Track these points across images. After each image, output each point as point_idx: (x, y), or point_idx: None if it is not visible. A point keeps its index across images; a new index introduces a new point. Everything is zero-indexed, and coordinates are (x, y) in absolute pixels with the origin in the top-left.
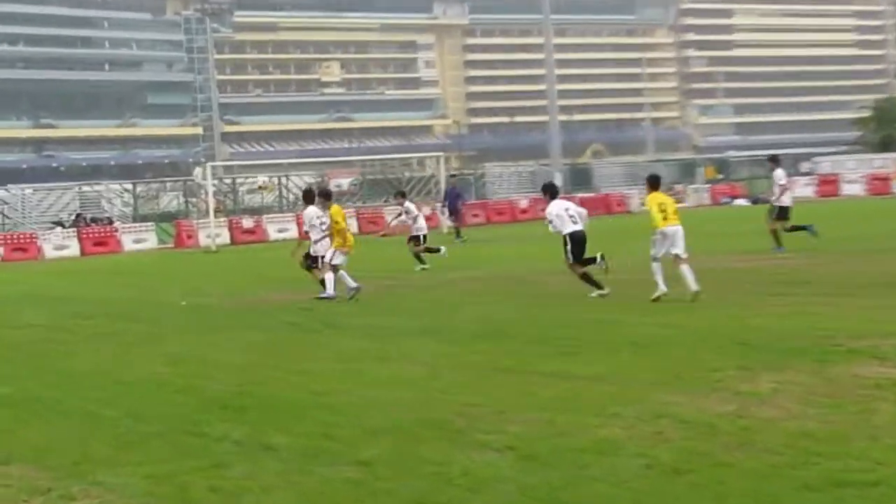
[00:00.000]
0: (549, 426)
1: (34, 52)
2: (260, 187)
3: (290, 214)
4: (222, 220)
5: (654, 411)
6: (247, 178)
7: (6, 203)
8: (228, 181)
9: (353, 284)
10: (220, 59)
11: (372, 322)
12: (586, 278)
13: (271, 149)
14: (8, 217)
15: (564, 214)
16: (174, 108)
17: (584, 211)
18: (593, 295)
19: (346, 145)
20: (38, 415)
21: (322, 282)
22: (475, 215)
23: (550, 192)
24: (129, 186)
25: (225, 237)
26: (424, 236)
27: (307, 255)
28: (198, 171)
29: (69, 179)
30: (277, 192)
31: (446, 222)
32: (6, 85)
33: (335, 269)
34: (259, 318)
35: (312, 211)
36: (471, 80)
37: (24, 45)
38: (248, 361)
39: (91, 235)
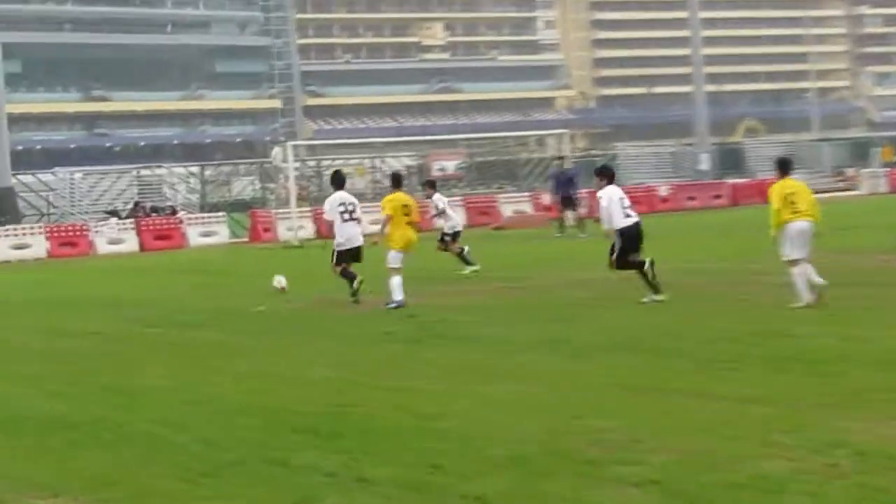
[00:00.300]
0: (699, 457)
1: (84, 11)
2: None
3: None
4: (306, 209)
5: (826, 440)
6: (334, 159)
7: (52, 189)
8: (312, 164)
9: (399, 300)
10: (302, 20)
11: (484, 332)
12: (643, 274)
13: (362, 125)
14: (55, 206)
15: (618, 204)
16: (248, 77)
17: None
18: (645, 300)
19: (451, 121)
20: (94, 438)
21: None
22: None
23: (607, 175)
24: (196, 170)
25: (309, 230)
26: (457, 232)
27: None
28: (276, 151)
29: (125, 161)
30: (371, 177)
31: (571, 214)
32: (52, 51)
33: (396, 271)
34: (352, 326)
35: (336, 196)
36: (599, 44)
37: (73, 3)
38: (339, 378)
39: (151, 228)
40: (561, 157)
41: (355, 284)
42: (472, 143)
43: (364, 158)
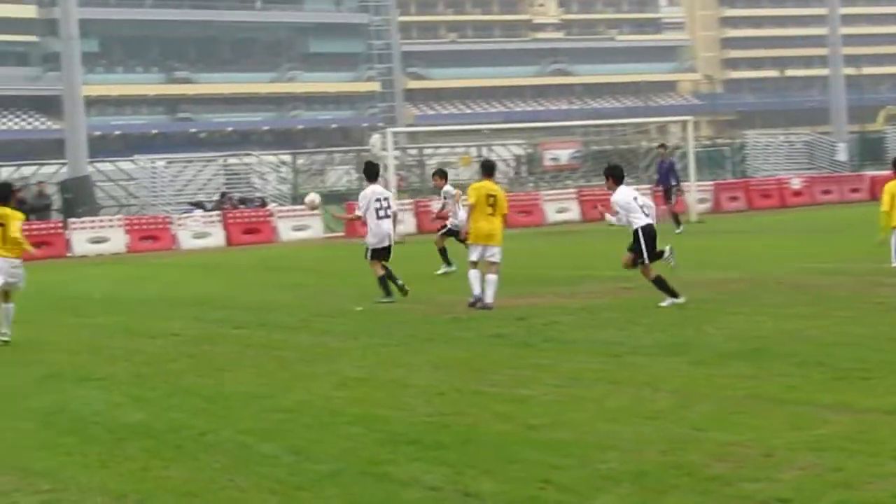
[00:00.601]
0: (834, 474)
1: None
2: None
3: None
4: (407, 201)
5: None
6: (437, 147)
7: (132, 178)
8: (414, 152)
9: (475, 294)
10: None
11: (601, 336)
12: (660, 283)
13: (468, 111)
14: (135, 196)
15: (634, 204)
16: (343, 57)
17: (651, 204)
18: (665, 304)
19: (565, 107)
20: (178, 448)
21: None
22: (733, 198)
23: (615, 176)
24: (287, 158)
25: (409, 224)
26: (457, 232)
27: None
28: (375, 138)
29: (211, 149)
30: (477, 166)
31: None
32: (132, 28)
33: (473, 264)
34: (456, 328)
35: (370, 190)
36: (727, 22)
37: None
38: (443, 385)
39: (239, 221)
40: (664, 146)
41: (400, 282)
42: (588, 131)
43: (469, 147)
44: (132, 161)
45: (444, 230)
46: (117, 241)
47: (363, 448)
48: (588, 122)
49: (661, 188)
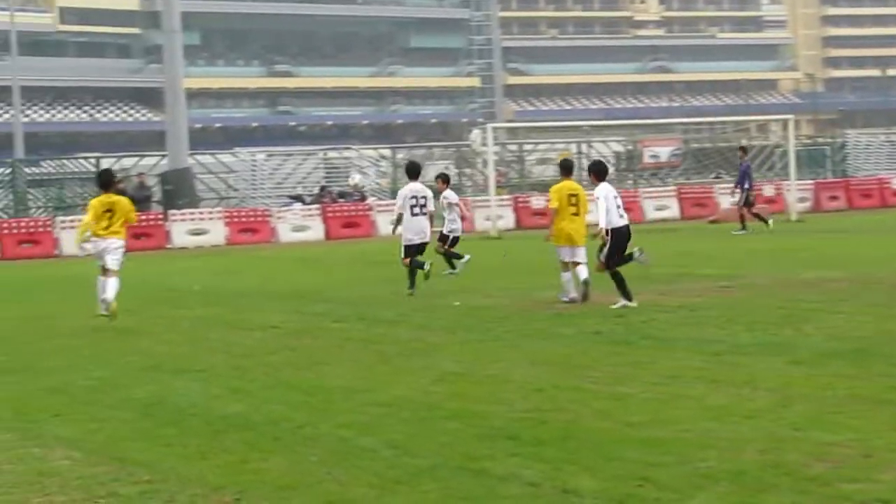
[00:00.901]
0: None
1: None
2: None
3: (591, 191)
4: (505, 197)
5: None
6: (536, 143)
7: (232, 171)
8: (513, 147)
9: (571, 297)
10: None
11: (700, 334)
12: (618, 282)
13: (568, 107)
14: (235, 189)
15: (613, 203)
16: (444, 52)
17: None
18: (616, 306)
19: (666, 104)
20: (277, 441)
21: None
22: (833, 198)
23: (597, 172)
24: (387, 152)
25: (509, 220)
26: (456, 238)
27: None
28: (475, 134)
29: (310, 142)
30: (576, 164)
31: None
32: (234, 22)
33: (564, 266)
34: (555, 324)
35: (408, 188)
36: (829, 21)
37: None
38: (542, 381)
39: (338, 215)
40: (743, 149)
41: (426, 266)
42: (688, 128)
43: (569, 143)
44: (232, 154)
45: (442, 238)
46: (217, 233)
47: (461, 443)
48: (688, 120)
49: (738, 189)
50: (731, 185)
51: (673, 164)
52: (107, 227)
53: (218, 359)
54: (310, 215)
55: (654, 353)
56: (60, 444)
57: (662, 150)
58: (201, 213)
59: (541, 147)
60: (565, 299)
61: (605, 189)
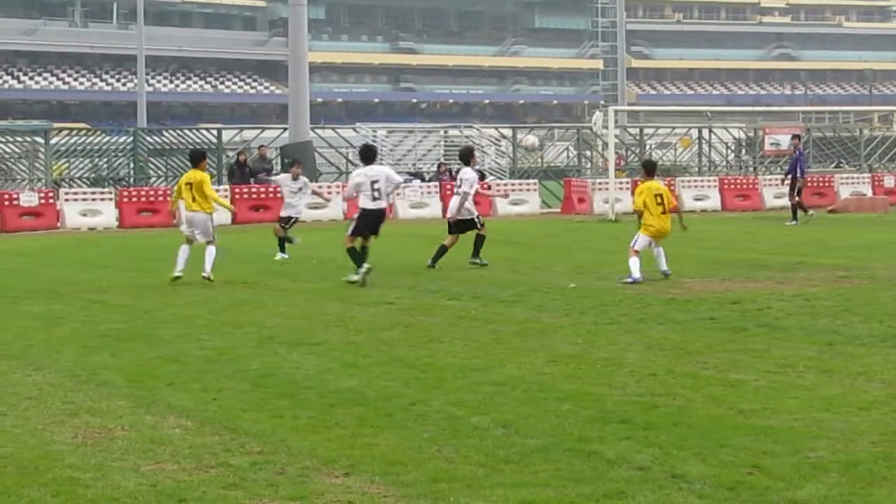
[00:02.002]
0: None
1: None
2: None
3: (712, 178)
4: (625, 180)
5: None
6: (657, 127)
7: (353, 146)
8: (634, 131)
9: (635, 277)
10: None
11: (815, 324)
12: (351, 253)
13: (690, 92)
14: (354, 164)
15: (368, 184)
16: (568, 34)
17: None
18: (353, 278)
19: (788, 92)
20: (389, 417)
21: None
22: None
23: (364, 156)
24: (508, 132)
25: (627, 203)
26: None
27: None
28: (597, 116)
29: (431, 119)
30: (696, 148)
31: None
32: None
33: (636, 252)
34: (670, 309)
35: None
36: None
37: None
38: (655, 365)
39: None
40: (797, 137)
41: (361, 272)
42: (810, 117)
43: (690, 128)
44: (354, 129)
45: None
46: (335, 207)
47: (573, 425)
48: (810, 108)
49: (789, 178)
50: (853, 173)
51: (787, 153)
52: (193, 201)
53: (333, 333)
54: (428, 192)
55: (767, 342)
56: (173, 412)
57: (783, 138)
58: (320, 186)
59: (661, 131)
60: (628, 280)
61: (361, 172)
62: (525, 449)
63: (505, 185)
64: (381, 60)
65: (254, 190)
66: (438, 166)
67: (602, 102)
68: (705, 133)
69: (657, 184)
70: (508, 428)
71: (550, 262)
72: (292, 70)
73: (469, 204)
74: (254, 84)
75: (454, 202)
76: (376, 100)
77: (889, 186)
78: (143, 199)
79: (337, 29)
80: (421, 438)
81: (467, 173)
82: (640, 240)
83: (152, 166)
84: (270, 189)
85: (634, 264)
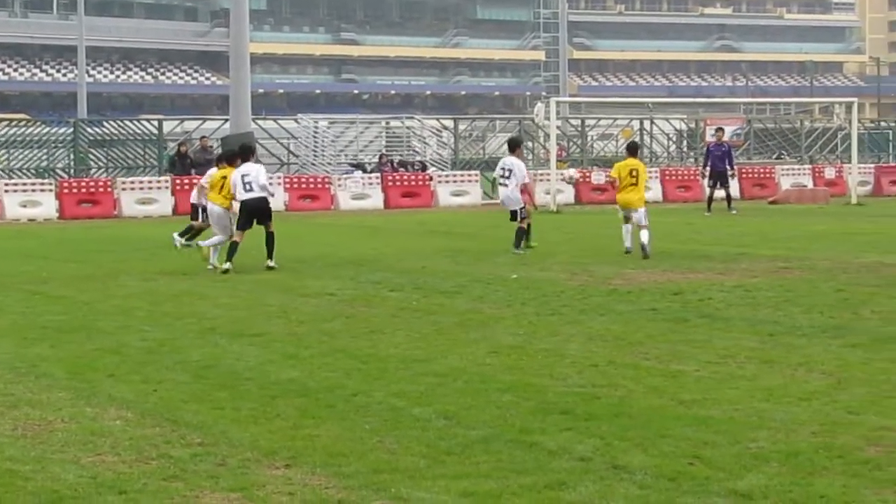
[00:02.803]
0: None
1: None
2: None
3: (653, 169)
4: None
5: None
6: (598, 119)
7: (294, 137)
8: (576, 122)
9: (626, 247)
10: None
11: (756, 315)
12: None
13: (631, 83)
14: (295, 155)
15: (239, 181)
16: (510, 25)
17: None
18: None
19: (730, 83)
20: (330, 408)
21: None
22: (894, 182)
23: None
24: (449, 123)
25: (569, 194)
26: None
27: None
28: (539, 107)
29: (373, 110)
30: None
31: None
32: None
33: (625, 219)
34: (613, 301)
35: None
36: None
37: None
38: (596, 356)
39: (398, 184)
40: (721, 129)
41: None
42: (751, 108)
43: (632, 119)
44: (295, 120)
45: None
46: (277, 199)
47: (514, 416)
48: (752, 100)
49: (707, 171)
50: (793, 165)
51: (734, 144)
52: (219, 193)
53: (274, 324)
54: (370, 183)
55: (709, 332)
56: (113, 404)
57: (725, 130)
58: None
59: (603, 122)
60: (627, 245)
61: (237, 171)
62: (466, 440)
63: (447, 176)
64: (322, 51)
65: (195, 181)
66: (380, 157)
67: (544, 94)
68: (647, 124)
69: (635, 161)
70: (450, 419)
71: (492, 253)
72: (233, 61)
73: (515, 193)
74: (195, 75)
75: (504, 192)
76: (318, 91)
77: (829, 178)
78: (84, 190)
79: (279, 20)
80: (362, 430)
81: (514, 163)
82: (621, 211)
83: (93, 157)
84: None
85: (626, 232)
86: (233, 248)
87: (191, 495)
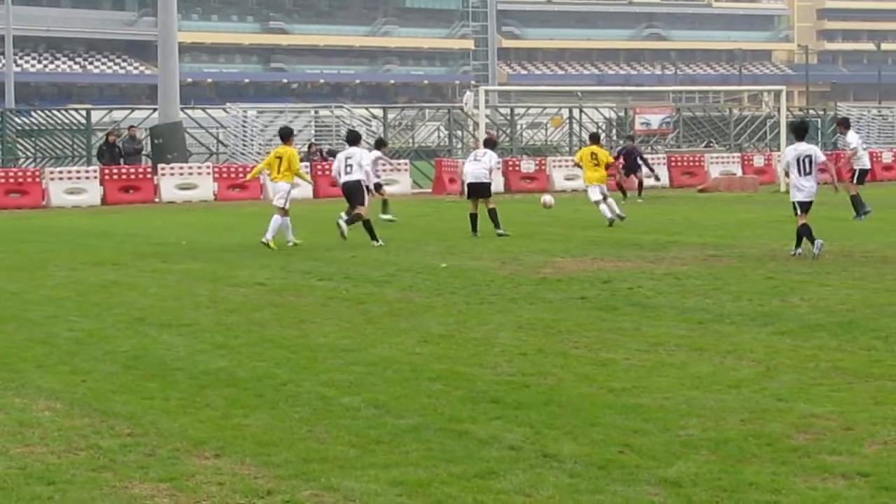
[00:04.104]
0: None
1: None
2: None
3: None
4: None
5: None
6: (528, 107)
7: (223, 127)
8: (505, 111)
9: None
10: None
11: (686, 303)
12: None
13: (561, 72)
14: (224, 144)
15: (343, 163)
16: (439, 13)
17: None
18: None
19: (659, 72)
20: (260, 398)
21: None
22: (822, 170)
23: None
24: (378, 112)
25: (498, 183)
26: None
27: None
28: (468, 96)
29: (302, 100)
30: (567, 128)
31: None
32: None
33: (597, 202)
34: (543, 289)
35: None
36: None
37: None
38: (526, 345)
39: (328, 173)
40: (631, 138)
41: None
42: (680, 97)
43: (561, 108)
44: (224, 109)
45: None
46: (206, 188)
47: (444, 405)
48: (681, 88)
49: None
50: (722, 153)
51: (663, 132)
52: (278, 172)
53: (203, 314)
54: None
55: (638, 320)
56: (42, 395)
57: (654, 118)
58: (190, 167)
59: (532, 111)
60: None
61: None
62: (396, 429)
63: None
64: (251, 40)
65: (124, 171)
66: (309, 146)
67: (473, 82)
68: (576, 113)
69: (596, 147)
70: (380, 408)
71: (422, 242)
72: (162, 50)
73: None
74: (123, 64)
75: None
76: (247, 80)
77: (758, 166)
78: (12, 180)
79: (207, 9)
80: (292, 419)
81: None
82: (589, 191)
83: (21, 147)
84: (140, 170)
85: (604, 210)
86: (366, 225)
87: (120, 486)
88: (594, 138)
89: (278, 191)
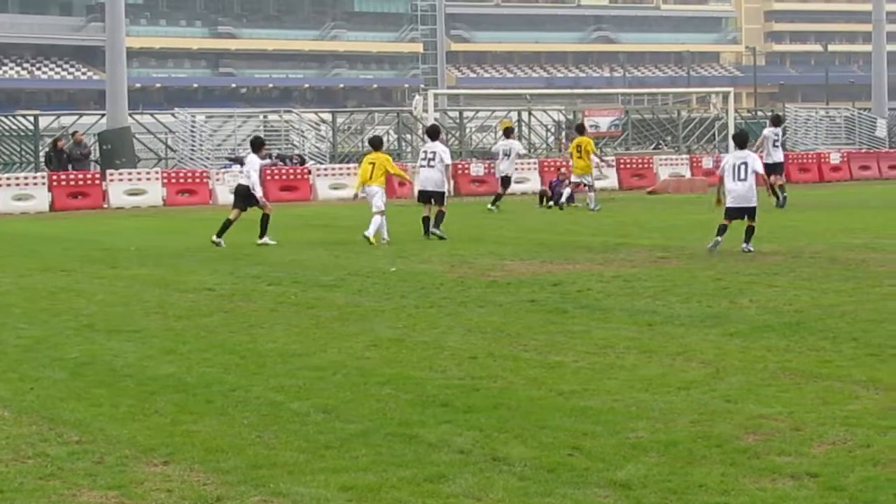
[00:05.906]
0: (863, 450)
1: None
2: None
3: (532, 160)
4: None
5: None
6: (477, 111)
7: (172, 132)
8: (454, 114)
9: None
10: None
11: (635, 305)
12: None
13: (510, 75)
14: (173, 149)
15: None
16: (387, 17)
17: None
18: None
19: (607, 74)
20: (209, 404)
21: None
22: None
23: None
24: (327, 116)
25: (449, 185)
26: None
27: None
28: (417, 99)
29: (251, 104)
30: (515, 131)
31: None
32: None
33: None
34: (492, 292)
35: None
36: None
37: None
38: (475, 348)
39: (277, 178)
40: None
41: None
42: (629, 99)
43: (510, 111)
44: (172, 114)
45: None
46: (154, 193)
47: (393, 409)
48: (629, 91)
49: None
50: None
51: (612, 134)
52: (370, 177)
53: (152, 320)
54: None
55: (587, 323)
56: None
57: (602, 120)
58: (139, 173)
59: (482, 114)
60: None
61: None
62: (346, 434)
63: (325, 169)
64: (199, 45)
65: (72, 177)
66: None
67: (422, 86)
68: (525, 116)
69: (581, 138)
70: (329, 413)
71: (371, 246)
72: (110, 55)
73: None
74: (71, 70)
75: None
76: (195, 85)
77: (707, 168)
78: None
79: (155, 14)
80: (241, 425)
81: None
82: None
83: None
84: (89, 176)
85: (590, 200)
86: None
87: (68, 494)
88: (579, 129)
89: (373, 194)
